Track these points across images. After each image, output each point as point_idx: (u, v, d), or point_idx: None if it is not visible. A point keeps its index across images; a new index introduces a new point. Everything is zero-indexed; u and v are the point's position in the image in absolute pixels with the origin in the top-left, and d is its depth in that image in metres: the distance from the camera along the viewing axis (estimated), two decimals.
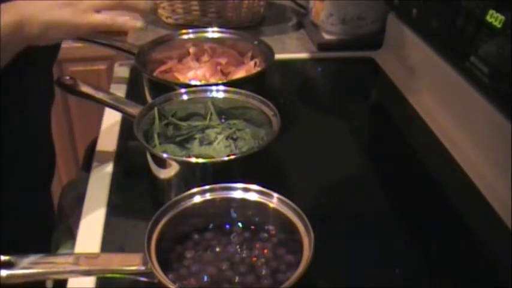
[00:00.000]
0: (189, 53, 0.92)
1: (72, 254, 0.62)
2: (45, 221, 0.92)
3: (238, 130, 0.72)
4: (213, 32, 0.94)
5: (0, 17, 0.57)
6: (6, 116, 0.74)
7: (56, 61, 0.88)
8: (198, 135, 0.72)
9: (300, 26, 1.24)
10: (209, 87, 0.75)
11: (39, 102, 0.84)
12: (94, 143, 0.85)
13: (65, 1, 0.63)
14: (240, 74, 0.87)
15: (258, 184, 0.57)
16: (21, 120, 0.78)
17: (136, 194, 0.73)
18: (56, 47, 0.83)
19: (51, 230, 0.88)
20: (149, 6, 0.74)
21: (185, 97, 0.74)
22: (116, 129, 0.85)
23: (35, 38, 0.62)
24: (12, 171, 0.79)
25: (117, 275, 0.52)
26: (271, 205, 0.56)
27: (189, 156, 0.68)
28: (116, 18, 0.66)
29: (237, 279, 0.52)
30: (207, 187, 0.58)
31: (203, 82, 0.85)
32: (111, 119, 0.87)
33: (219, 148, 0.69)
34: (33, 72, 0.77)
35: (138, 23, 0.68)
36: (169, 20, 1.23)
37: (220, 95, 0.75)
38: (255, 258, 0.54)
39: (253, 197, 0.57)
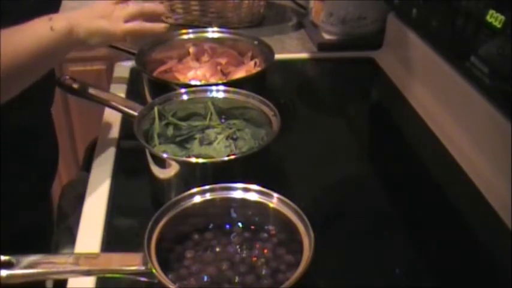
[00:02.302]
0: (189, 53, 0.92)
1: (72, 254, 0.62)
2: (45, 221, 0.92)
3: (238, 130, 0.72)
4: (213, 32, 0.94)
5: (55, 23, 0.67)
6: (5, 115, 0.74)
7: None
8: (198, 135, 0.72)
9: (300, 26, 1.24)
10: (209, 87, 0.75)
11: (39, 100, 0.84)
12: (94, 143, 0.85)
13: (101, 13, 0.74)
14: (240, 74, 0.87)
15: (258, 184, 0.57)
16: (21, 119, 0.78)
17: (136, 194, 0.73)
18: None
19: (51, 230, 0.88)
20: (166, 7, 0.95)
21: (185, 97, 0.74)
22: (116, 129, 0.85)
23: (80, 42, 0.72)
24: (13, 171, 0.79)
25: (117, 275, 0.52)
26: (271, 205, 0.56)
27: (189, 156, 0.68)
28: (143, 25, 0.77)
29: (237, 279, 0.52)
30: (207, 187, 0.58)
31: (203, 82, 0.85)
32: (111, 119, 0.87)
33: (219, 148, 0.69)
34: None
35: (163, 25, 0.80)
36: (169, 20, 1.23)
37: (220, 95, 0.75)
38: (255, 258, 0.54)
39: (253, 197, 0.57)
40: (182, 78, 0.87)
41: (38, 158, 0.85)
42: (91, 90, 0.78)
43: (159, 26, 0.79)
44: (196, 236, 0.57)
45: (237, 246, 0.56)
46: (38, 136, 0.85)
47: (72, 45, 0.72)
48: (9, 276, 0.50)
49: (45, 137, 0.89)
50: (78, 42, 0.72)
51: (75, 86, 0.78)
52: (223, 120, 0.74)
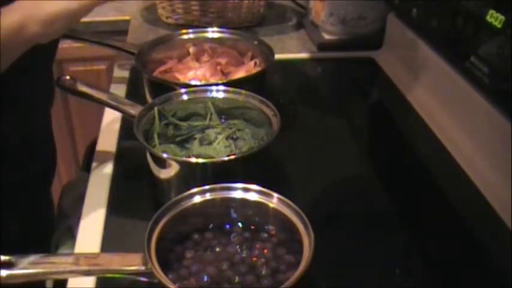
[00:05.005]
0: (189, 53, 0.92)
1: (72, 254, 0.62)
2: (45, 221, 0.92)
3: (238, 130, 0.72)
4: (213, 32, 0.94)
5: (2, 18, 0.58)
6: (5, 115, 0.74)
7: (55, 59, 0.88)
8: (198, 135, 0.72)
9: (300, 26, 1.24)
10: (209, 87, 0.75)
11: (39, 101, 0.84)
12: (94, 143, 0.85)
13: None
14: (240, 74, 0.87)
15: (258, 184, 0.57)
16: (21, 119, 0.78)
17: (136, 194, 0.73)
18: (55, 43, 0.83)
19: (51, 230, 0.88)
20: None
21: (185, 97, 0.74)
22: (116, 129, 0.85)
23: (38, 36, 0.62)
24: (12, 171, 0.79)
25: (117, 275, 0.52)
26: (271, 205, 0.56)
27: (189, 156, 0.68)
28: None
29: (237, 279, 0.52)
30: (207, 187, 0.58)
31: (203, 82, 0.85)
32: (111, 119, 0.87)
33: (219, 148, 0.69)
34: (32, 70, 0.77)
35: None
36: (169, 20, 1.23)
37: (220, 95, 0.75)
38: (255, 258, 0.54)
39: (253, 197, 0.57)
40: (182, 78, 0.87)
41: (37, 159, 0.85)
42: (91, 90, 0.78)
43: None
44: (196, 236, 0.57)
45: (237, 246, 0.56)
46: (37, 138, 0.85)
47: (26, 43, 0.61)
48: (9, 276, 0.50)
49: (43, 138, 0.89)
50: (33, 38, 0.61)
51: (75, 86, 0.78)
52: (223, 120, 0.74)
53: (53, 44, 0.81)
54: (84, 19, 1.30)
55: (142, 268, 0.51)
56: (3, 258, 0.50)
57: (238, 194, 0.58)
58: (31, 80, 0.79)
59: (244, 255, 0.55)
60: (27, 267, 0.50)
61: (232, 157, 0.64)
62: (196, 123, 0.74)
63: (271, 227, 0.57)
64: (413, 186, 0.75)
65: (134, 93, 0.93)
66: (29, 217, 0.85)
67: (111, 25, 1.34)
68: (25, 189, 0.83)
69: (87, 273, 0.53)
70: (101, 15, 1.37)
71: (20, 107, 0.78)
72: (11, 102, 0.75)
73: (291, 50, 1.13)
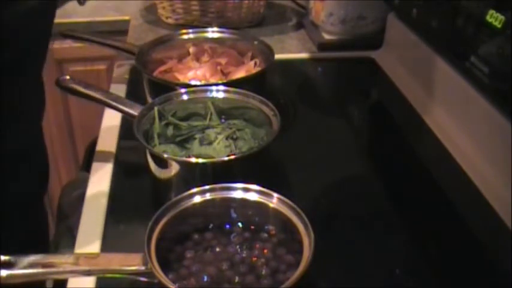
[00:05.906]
0: (189, 53, 0.92)
1: (72, 254, 0.62)
2: (44, 223, 0.92)
3: (238, 130, 0.72)
4: (213, 32, 0.94)
5: None
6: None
7: (43, 69, 0.87)
8: (198, 135, 0.72)
9: (300, 26, 1.24)
10: (209, 87, 0.76)
11: (30, 113, 0.84)
12: (94, 143, 0.85)
13: None
14: (240, 74, 0.87)
15: (258, 184, 0.57)
16: (12, 132, 0.78)
17: (137, 194, 0.73)
18: (43, 56, 0.82)
19: (51, 230, 0.88)
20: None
21: (185, 97, 0.74)
22: (116, 129, 0.85)
23: None
24: (7, 178, 0.79)
25: (117, 275, 0.52)
26: (271, 205, 0.56)
27: (189, 156, 0.68)
28: None
29: (237, 279, 0.52)
30: (207, 187, 0.58)
31: (203, 82, 0.85)
32: (111, 119, 0.87)
33: (219, 148, 0.69)
34: (21, 83, 0.76)
35: None
36: (169, 20, 1.23)
37: (220, 95, 0.75)
38: (255, 258, 0.54)
39: (253, 197, 0.57)
40: (182, 78, 0.87)
41: (32, 169, 0.85)
42: (91, 90, 0.78)
43: None
44: (196, 236, 0.57)
45: (237, 246, 0.56)
46: (30, 151, 0.84)
47: None
48: (9, 276, 0.50)
49: (36, 150, 0.88)
50: None
51: (75, 86, 0.78)
52: (223, 120, 0.74)
53: (42, 54, 0.81)
54: (84, 19, 1.30)
55: (142, 268, 0.51)
56: (3, 258, 0.50)
57: (238, 194, 0.58)
58: (21, 94, 0.78)
59: (244, 255, 0.55)
60: (27, 267, 0.50)
61: (232, 157, 0.64)
62: (196, 123, 0.74)
63: (271, 227, 0.57)
64: (413, 186, 0.75)
65: (134, 93, 0.93)
66: (28, 219, 0.85)
67: (111, 25, 1.34)
68: (22, 194, 0.82)
69: (87, 273, 0.53)
70: (101, 15, 1.37)
71: (12, 121, 0.77)
72: (2, 116, 0.75)
73: (291, 50, 1.13)
